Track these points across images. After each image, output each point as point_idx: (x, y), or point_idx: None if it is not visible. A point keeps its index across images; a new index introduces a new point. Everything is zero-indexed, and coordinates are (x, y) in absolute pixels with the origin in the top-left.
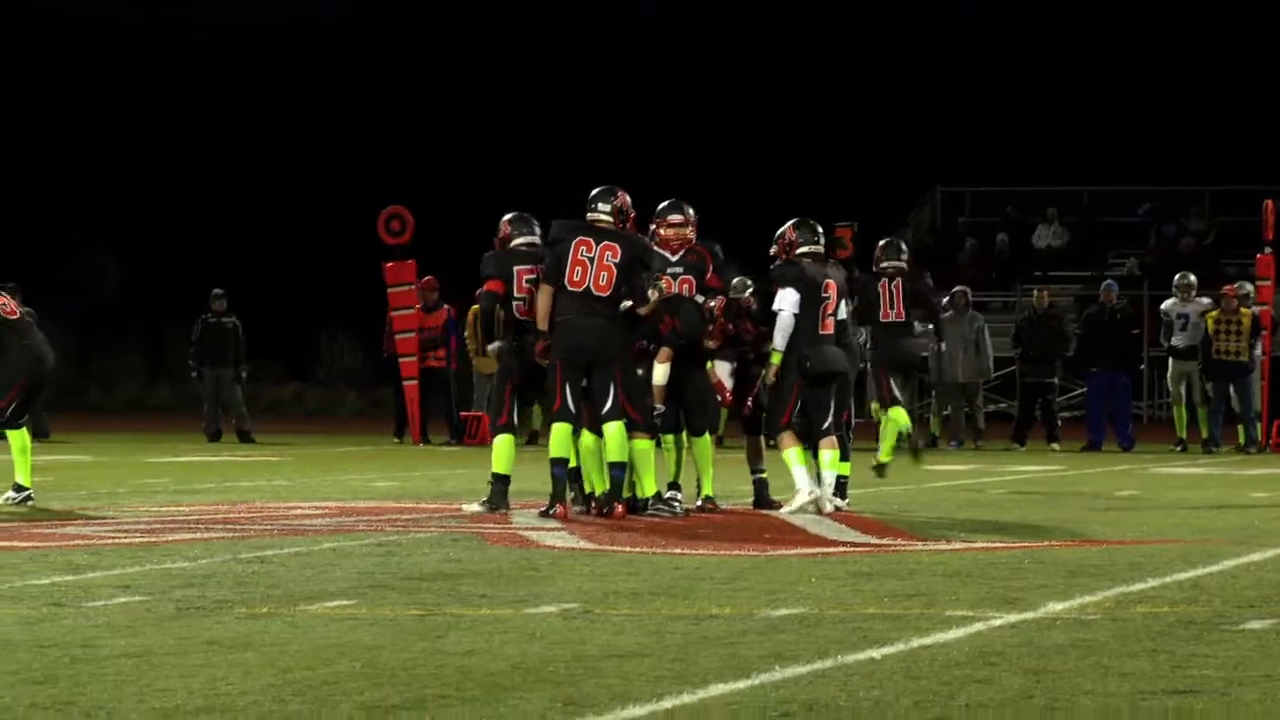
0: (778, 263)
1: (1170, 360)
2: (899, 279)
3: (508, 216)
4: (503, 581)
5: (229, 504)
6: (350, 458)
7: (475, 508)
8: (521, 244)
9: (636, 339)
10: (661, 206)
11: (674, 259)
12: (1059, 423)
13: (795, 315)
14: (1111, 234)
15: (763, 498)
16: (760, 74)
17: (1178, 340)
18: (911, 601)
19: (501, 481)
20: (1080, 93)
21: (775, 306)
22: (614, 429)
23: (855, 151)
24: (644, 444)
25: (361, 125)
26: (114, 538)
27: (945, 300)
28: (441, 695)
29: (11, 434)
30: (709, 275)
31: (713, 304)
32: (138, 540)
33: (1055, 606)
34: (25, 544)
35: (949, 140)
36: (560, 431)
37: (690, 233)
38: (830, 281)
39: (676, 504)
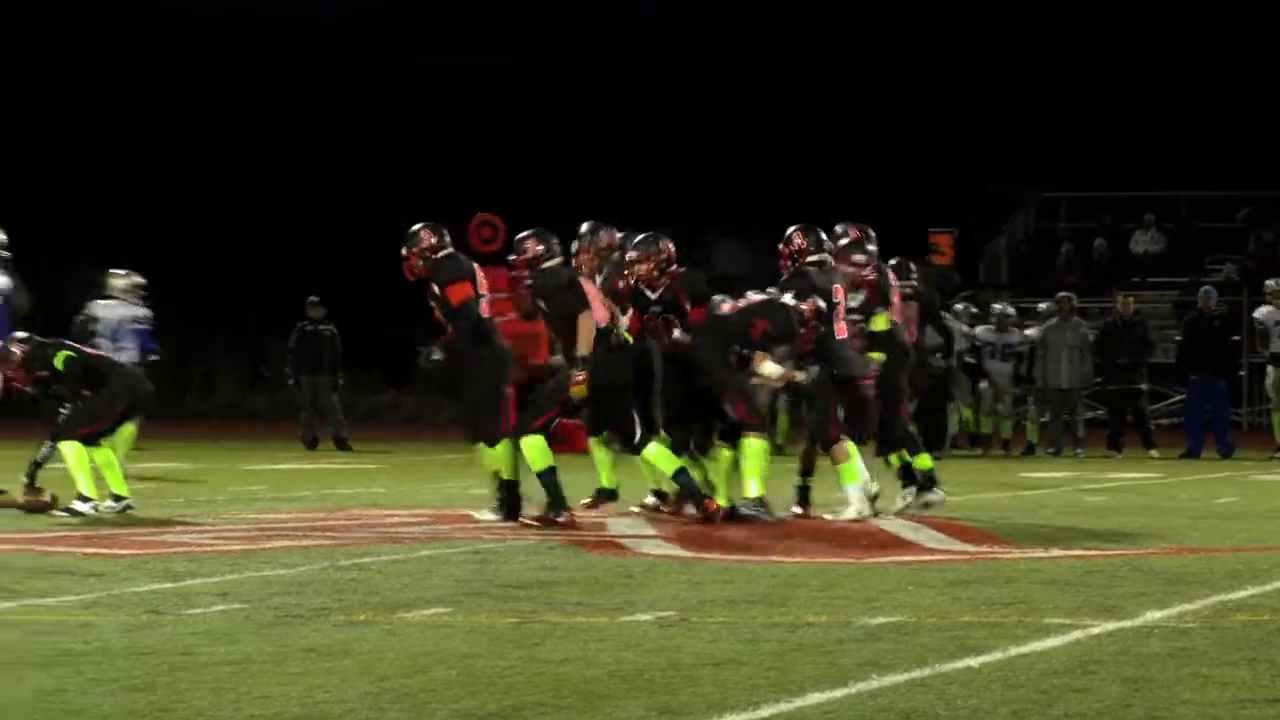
0: (786, 276)
1: (1269, 366)
2: (912, 301)
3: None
4: (598, 589)
5: (326, 511)
6: (447, 465)
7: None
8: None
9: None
10: (637, 241)
11: (654, 295)
12: (1153, 429)
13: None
14: (1209, 239)
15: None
16: (857, 80)
17: (1276, 346)
18: (1009, 610)
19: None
20: (1180, 97)
21: None
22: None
23: (953, 158)
24: (757, 444)
25: (454, 135)
26: (213, 545)
27: (1045, 306)
28: (537, 703)
29: (95, 451)
30: (689, 309)
31: (804, 307)
32: (236, 548)
33: (1154, 615)
34: (125, 551)
35: (1046, 146)
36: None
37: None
38: (838, 287)
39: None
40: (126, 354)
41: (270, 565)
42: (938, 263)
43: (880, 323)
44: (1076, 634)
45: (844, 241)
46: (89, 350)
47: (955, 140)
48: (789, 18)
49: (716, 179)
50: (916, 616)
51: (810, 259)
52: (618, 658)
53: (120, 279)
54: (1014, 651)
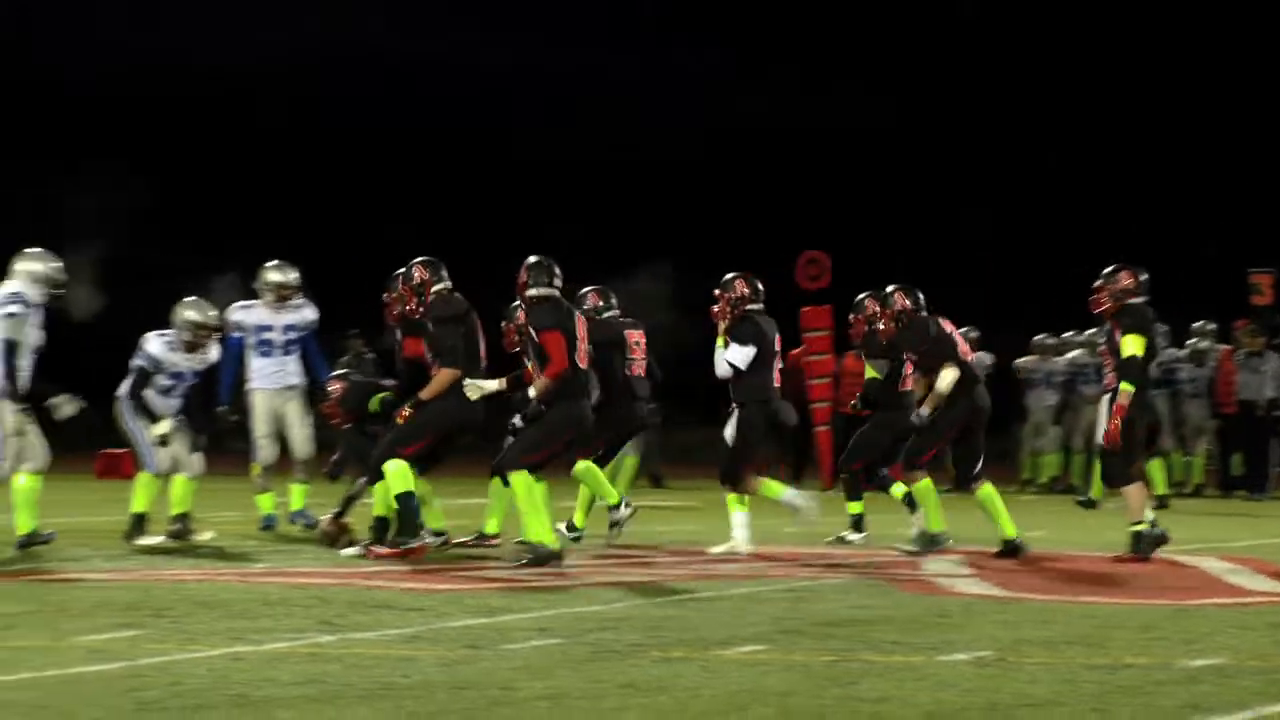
0: (730, 322)
1: None
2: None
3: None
4: (914, 628)
5: (641, 548)
6: (760, 503)
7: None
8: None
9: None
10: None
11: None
12: None
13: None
14: None
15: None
16: (1167, 119)
17: None
18: None
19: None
20: None
21: (730, 359)
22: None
23: (1274, 196)
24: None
25: (776, 167)
26: (528, 580)
27: None
28: None
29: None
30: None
31: None
32: (551, 584)
33: None
34: (442, 586)
35: None
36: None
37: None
38: (778, 336)
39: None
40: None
41: (586, 601)
42: (1257, 303)
43: (870, 371)
44: None
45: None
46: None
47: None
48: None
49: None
50: (1237, 659)
51: (750, 306)
52: (935, 697)
53: None
54: None
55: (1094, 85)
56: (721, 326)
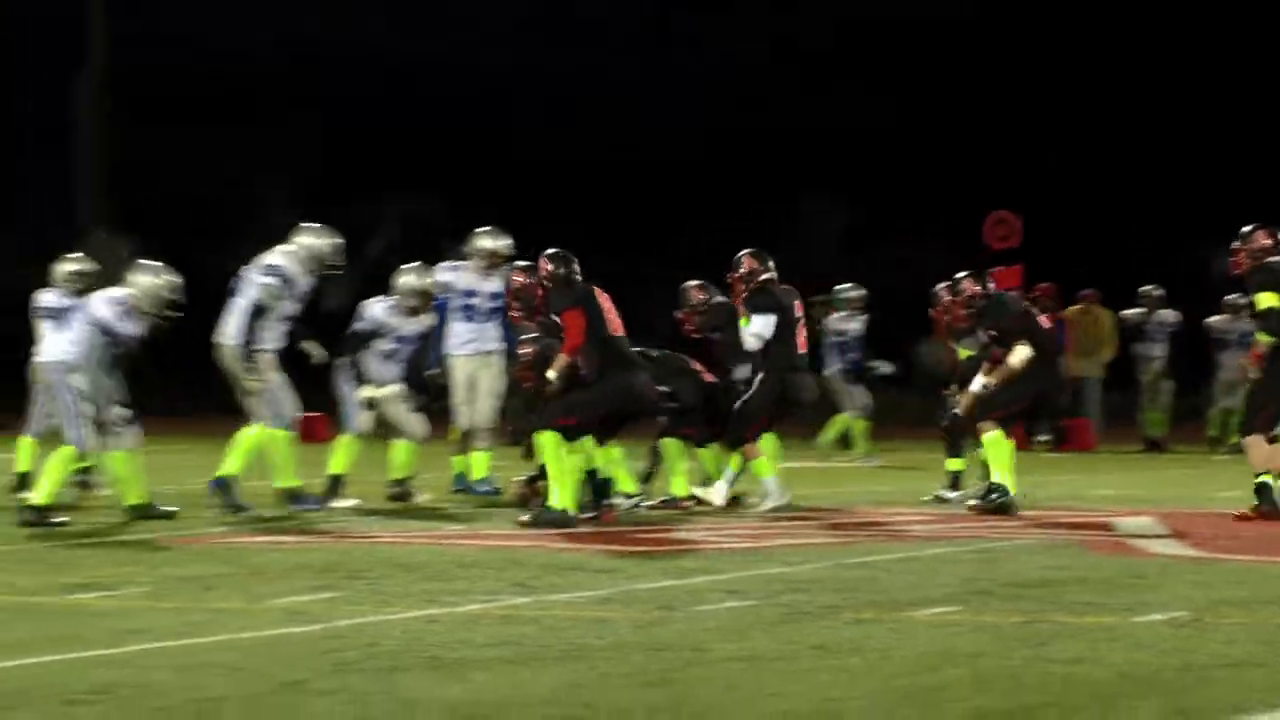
0: (747, 295)
1: None
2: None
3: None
4: (1107, 589)
5: (832, 509)
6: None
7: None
8: None
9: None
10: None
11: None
12: None
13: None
14: None
15: None
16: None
17: None
18: None
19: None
20: None
21: (755, 332)
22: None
23: None
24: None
25: (966, 123)
26: (719, 543)
27: None
28: (1048, 703)
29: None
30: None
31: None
32: (742, 545)
33: None
34: (635, 548)
35: None
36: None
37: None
38: (797, 303)
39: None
40: None
41: (777, 563)
42: None
43: (964, 351)
44: None
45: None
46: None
47: None
48: None
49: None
50: None
51: (763, 277)
52: (1129, 658)
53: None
54: None
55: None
56: (741, 304)
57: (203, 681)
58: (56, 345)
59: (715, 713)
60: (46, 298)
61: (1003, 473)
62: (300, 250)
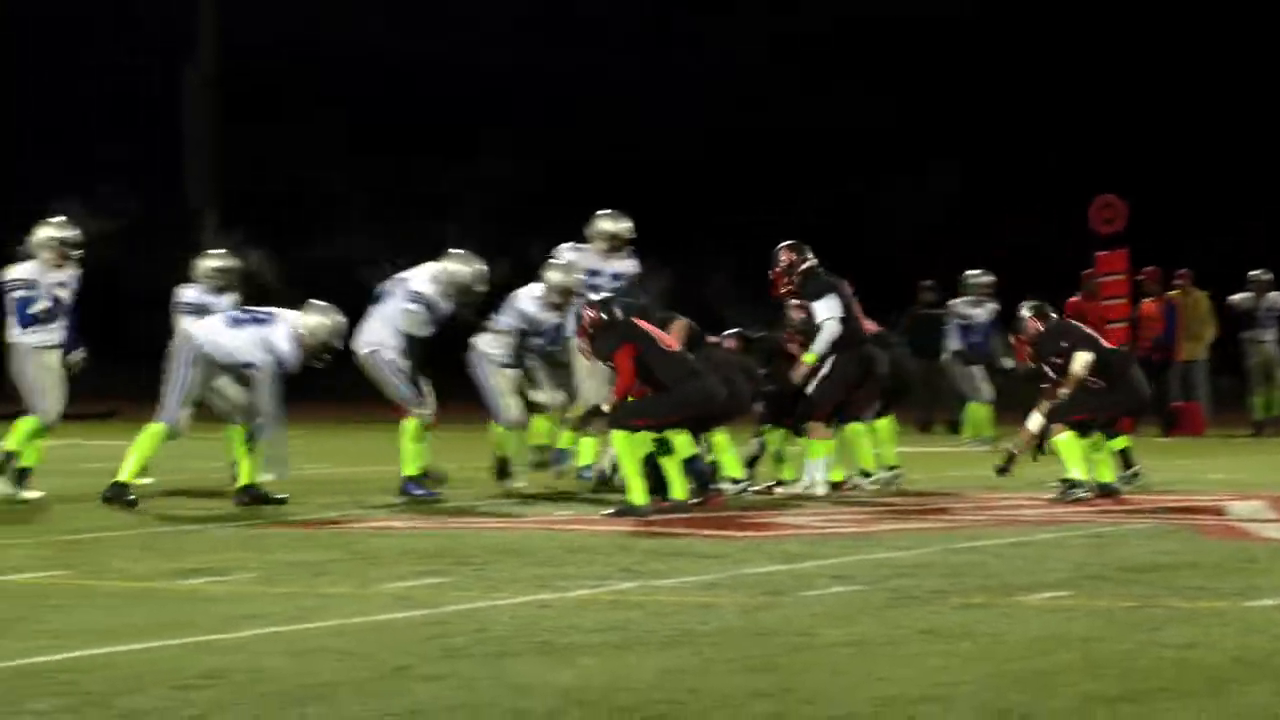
0: (804, 283)
1: None
2: None
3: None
4: (1220, 573)
5: (940, 494)
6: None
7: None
8: None
9: None
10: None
11: None
12: None
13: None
14: None
15: None
16: None
17: None
18: None
19: None
20: None
21: (826, 317)
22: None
23: None
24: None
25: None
26: (825, 528)
27: None
28: (1161, 688)
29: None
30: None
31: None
32: (849, 530)
33: None
34: (740, 533)
35: None
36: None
37: None
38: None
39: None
40: None
41: (884, 547)
42: None
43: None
44: None
45: None
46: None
47: None
48: None
49: None
50: None
51: (805, 266)
52: (1242, 643)
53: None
54: None
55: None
56: (786, 297)
57: (313, 666)
58: (235, 342)
59: (822, 698)
60: (188, 294)
61: (1077, 467)
62: (444, 275)
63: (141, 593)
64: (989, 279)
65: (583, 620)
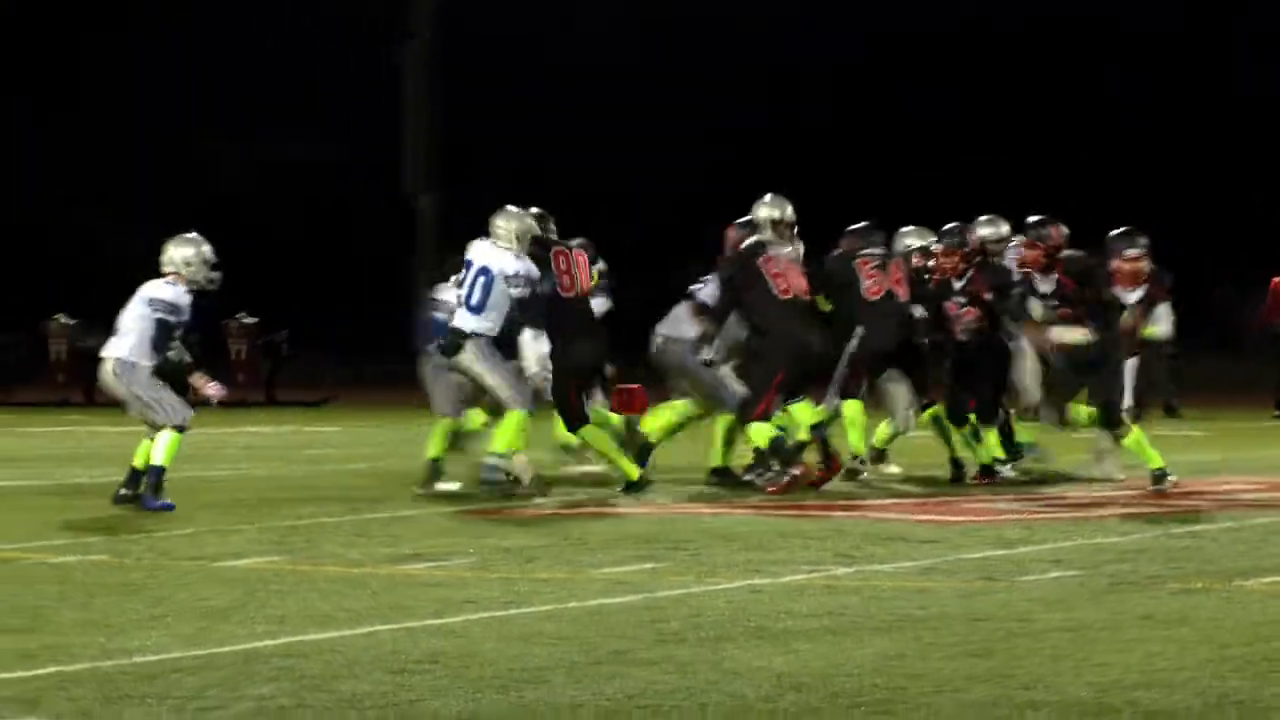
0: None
1: None
2: None
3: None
4: None
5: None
6: (1266, 432)
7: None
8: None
9: None
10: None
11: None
12: None
13: None
14: None
15: None
16: None
17: None
18: None
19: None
20: None
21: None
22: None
23: None
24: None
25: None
26: (1042, 513)
27: None
28: None
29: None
30: None
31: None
32: (1066, 515)
33: None
34: (957, 518)
35: None
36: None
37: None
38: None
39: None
40: None
41: (1102, 533)
42: None
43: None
44: None
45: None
46: None
47: None
48: None
49: None
50: None
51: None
52: None
53: None
54: None
55: None
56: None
57: (528, 651)
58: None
59: (1040, 683)
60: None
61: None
62: (515, 246)
63: (357, 578)
64: None
65: (797, 605)
